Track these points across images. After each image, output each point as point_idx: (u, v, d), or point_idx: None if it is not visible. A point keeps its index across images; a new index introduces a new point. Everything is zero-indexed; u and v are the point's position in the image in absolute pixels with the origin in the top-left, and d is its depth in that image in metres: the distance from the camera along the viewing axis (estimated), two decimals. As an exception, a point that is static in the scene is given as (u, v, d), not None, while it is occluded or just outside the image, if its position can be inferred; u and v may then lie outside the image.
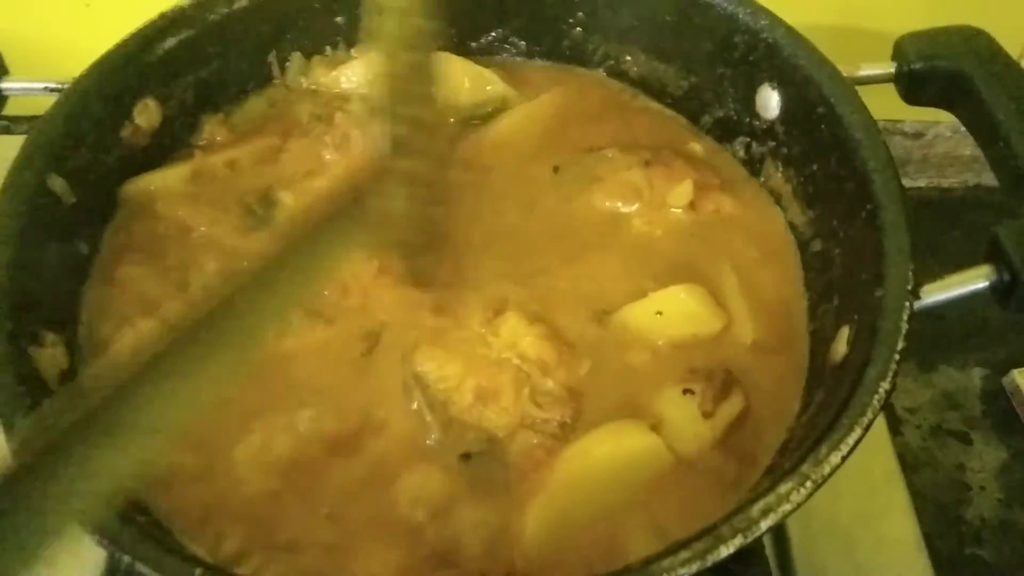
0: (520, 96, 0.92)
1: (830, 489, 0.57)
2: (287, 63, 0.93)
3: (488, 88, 0.91)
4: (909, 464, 0.99)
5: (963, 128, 1.27)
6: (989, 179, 1.35)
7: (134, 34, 0.83)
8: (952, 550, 0.96)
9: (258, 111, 0.91)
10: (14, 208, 0.71)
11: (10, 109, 0.85)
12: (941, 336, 1.13)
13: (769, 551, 0.83)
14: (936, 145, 1.30)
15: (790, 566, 0.83)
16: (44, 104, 0.78)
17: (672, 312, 0.75)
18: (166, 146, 0.87)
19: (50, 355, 0.68)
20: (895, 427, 1.03)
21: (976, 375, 1.12)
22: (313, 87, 0.92)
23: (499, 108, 0.91)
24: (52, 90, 0.81)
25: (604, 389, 0.71)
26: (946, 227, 1.26)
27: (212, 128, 0.89)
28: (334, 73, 0.92)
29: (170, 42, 0.85)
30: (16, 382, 0.62)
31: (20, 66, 0.85)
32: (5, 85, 0.83)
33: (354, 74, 0.91)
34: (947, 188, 1.34)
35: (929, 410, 1.09)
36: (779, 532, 0.85)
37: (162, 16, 0.85)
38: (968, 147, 1.31)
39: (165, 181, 0.83)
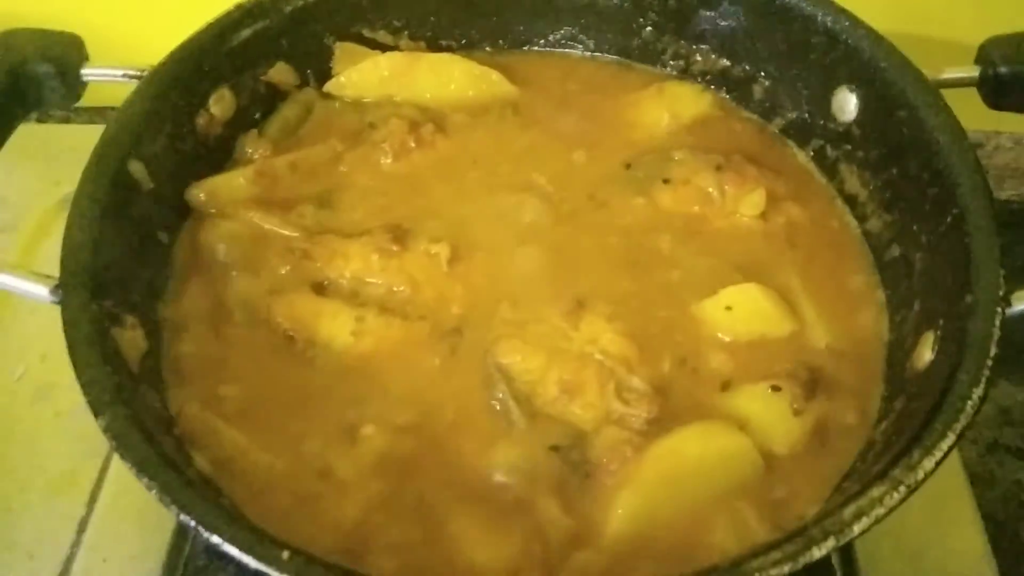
0: (522, 93, 0.93)
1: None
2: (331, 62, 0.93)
3: (492, 87, 0.92)
4: (965, 480, 0.97)
5: (1026, 139, 1.27)
6: (1049, 192, 1.33)
7: (212, 23, 0.84)
8: (1009, 568, 0.94)
9: (293, 118, 0.91)
10: (96, 191, 0.71)
11: (87, 100, 0.86)
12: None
13: (835, 561, 0.82)
14: (996, 156, 1.28)
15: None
16: (120, 94, 0.79)
17: (742, 308, 0.75)
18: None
19: (131, 337, 0.69)
20: (951, 442, 1.01)
21: (1034, 391, 1.10)
22: (347, 94, 0.92)
23: (505, 105, 0.92)
24: (131, 77, 0.81)
25: (684, 386, 0.71)
26: (1003, 240, 1.24)
27: (249, 145, 0.88)
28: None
29: (245, 32, 0.86)
30: (101, 362, 0.62)
31: (100, 53, 0.85)
32: (86, 72, 0.83)
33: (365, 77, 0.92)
34: (1005, 200, 1.32)
35: (986, 425, 1.07)
36: (845, 544, 0.84)
37: (239, 7, 0.86)
38: (1029, 159, 1.29)
39: (229, 182, 0.84)
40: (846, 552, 0.83)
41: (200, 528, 0.53)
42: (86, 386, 0.60)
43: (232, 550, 0.52)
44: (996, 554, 0.87)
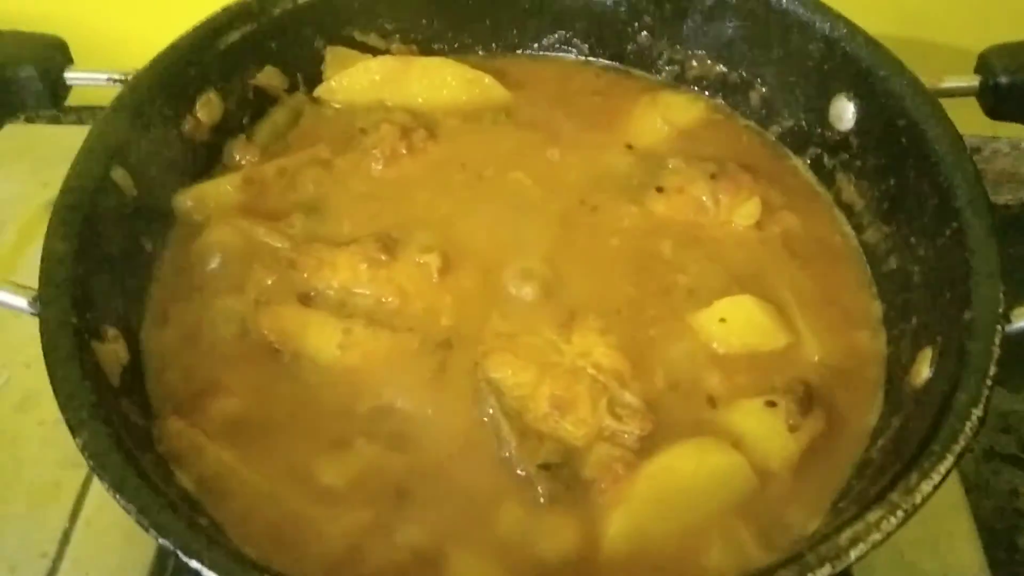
0: (516, 98, 0.91)
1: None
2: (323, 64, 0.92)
3: (485, 91, 0.91)
4: (960, 488, 0.95)
5: (1023, 144, 1.26)
6: (1047, 199, 1.31)
7: (198, 27, 0.83)
8: (1005, 577, 0.93)
9: (283, 123, 0.90)
10: (77, 200, 0.70)
11: (72, 100, 0.84)
12: (995, 357, 1.09)
13: (830, 575, 0.81)
14: (994, 161, 1.27)
15: (850, 591, 0.81)
16: (106, 95, 0.78)
17: (736, 320, 0.74)
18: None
19: (112, 350, 0.67)
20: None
21: (1032, 399, 1.08)
22: (338, 99, 0.91)
23: (498, 110, 0.91)
24: (115, 81, 0.80)
25: (678, 401, 0.70)
26: (999, 245, 1.23)
27: (238, 151, 0.87)
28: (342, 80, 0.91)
29: (234, 36, 0.85)
30: (80, 377, 0.60)
31: (84, 56, 0.84)
32: (69, 75, 0.82)
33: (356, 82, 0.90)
34: (1003, 205, 1.31)
35: (982, 433, 1.06)
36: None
37: (226, 10, 0.84)
38: (1027, 164, 1.28)
39: (217, 189, 0.83)
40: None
41: (178, 552, 0.52)
42: (64, 404, 0.59)
43: (211, 575, 0.51)
44: (991, 564, 0.86)
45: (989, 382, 0.59)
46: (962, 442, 0.56)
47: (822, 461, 0.67)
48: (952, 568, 0.83)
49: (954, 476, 0.90)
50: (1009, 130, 1.23)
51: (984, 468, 1.03)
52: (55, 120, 1.18)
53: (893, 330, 0.75)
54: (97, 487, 0.86)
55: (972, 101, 0.82)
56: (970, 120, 0.78)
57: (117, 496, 0.55)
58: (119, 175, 0.74)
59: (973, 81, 0.78)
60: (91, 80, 0.81)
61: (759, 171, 0.85)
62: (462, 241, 0.80)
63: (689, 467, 0.65)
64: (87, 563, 0.81)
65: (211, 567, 0.51)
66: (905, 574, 0.82)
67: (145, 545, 0.81)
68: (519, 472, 0.66)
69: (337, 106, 0.91)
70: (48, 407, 0.92)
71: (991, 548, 0.91)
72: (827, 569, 0.52)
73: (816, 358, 0.74)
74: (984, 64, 0.78)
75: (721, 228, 0.82)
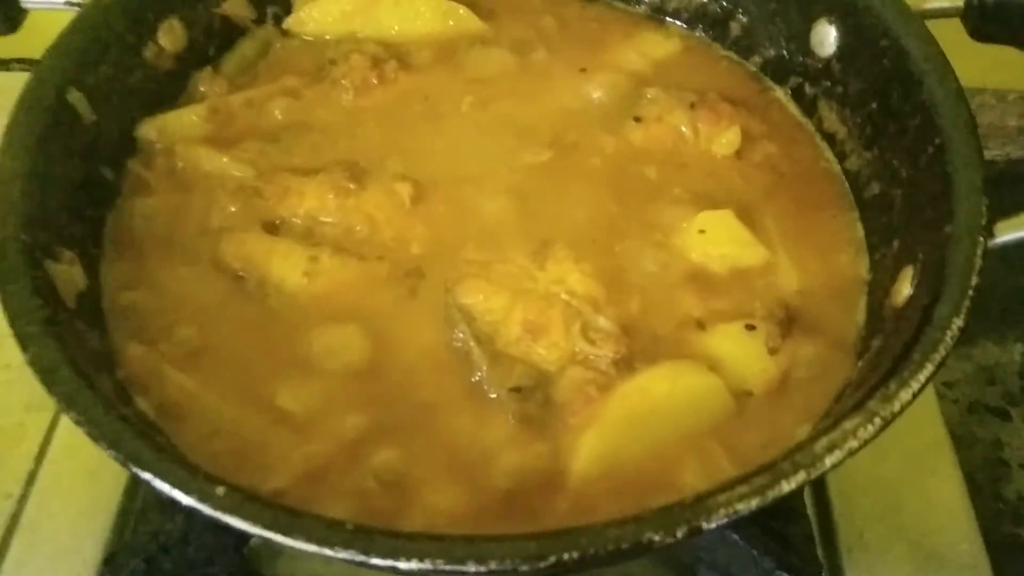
0: (491, 29, 0.89)
1: (874, 450, 0.53)
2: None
3: (459, 22, 0.89)
4: (946, 439, 0.95)
5: (1010, 97, 1.25)
6: (1033, 154, 1.30)
7: (160, -50, 0.80)
8: (989, 529, 0.92)
9: (251, 55, 0.87)
10: (30, 119, 0.67)
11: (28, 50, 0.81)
12: (981, 309, 1.08)
13: (810, 511, 0.80)
14: (981, 114, 1.24)
15: (831, 527, 0.80)
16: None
17: (715, 231, 0.73)
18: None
19: (66, 272, 0.65)
20: (931, 401, 0.99)
21: (1016, 350, 1.08)
22: (308, 31, 0.89)
23: (473, 41, 0.88)
24: (72, 4, 0.77)
25: (654, 326, 0.68)
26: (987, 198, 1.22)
27: (204, 83, 0.84)
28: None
29: (198, -40, 0.82)
30: (29, 292, 0.58)
31: (41, -20, 0.81)
32: (25, -2, 0.79)
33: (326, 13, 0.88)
34: (990, 160, 1.29)
35: (967, 385, 1.05)
36: (820, 492, 0.82)
37: (189, -67, 0.81)
38: (1014, 118, 1.26)
39: (181, 119, 0.80)
40: (820, 500, 0.81)
41: (130, 465, 0.50)
42: (12, 318, 0.57)
43: (163, 486, 0.49)
44: (976, 514, 0.85)
45: (971, 292, 0.57)
46: (942, 351, 0.55)
47: (802, 383, 0.66)
48: (935, 504, 0.82)
49: (937, 418, 0.89)
50: (996, 80, 1.22)
51: (970, 419, 1.02)
52: (4, 67, 1.14)
53: (875, 255, 0.73)
54: (63, 429, 0.84)
55: (957, 52, 0.80)
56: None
57: (67, 409, 0.52)
58: (76, 98, 0.72)
59: (958, 1, 0.76)
60: (48, 4, 0.79)
61: (740, 102, 0.83)
62: (435, 171, 0.78)
63: (663, 389, 0.63)
64: (53, 503, 0.80)
65: (162, 477, 0.49)
66: (888, 509, 0.81)
67: (112, 486, 0.79)
68: (491, 395, 0.64)
69: (307, 38, 0.89)
70: (13, 350, 0.90)
71: (975, 498, 0.90)
72: (802, 476, 0.50)
73: (796, 284, 0.72)
74: (969, -17, 0.76)
75: (700, 158, 0.80)
